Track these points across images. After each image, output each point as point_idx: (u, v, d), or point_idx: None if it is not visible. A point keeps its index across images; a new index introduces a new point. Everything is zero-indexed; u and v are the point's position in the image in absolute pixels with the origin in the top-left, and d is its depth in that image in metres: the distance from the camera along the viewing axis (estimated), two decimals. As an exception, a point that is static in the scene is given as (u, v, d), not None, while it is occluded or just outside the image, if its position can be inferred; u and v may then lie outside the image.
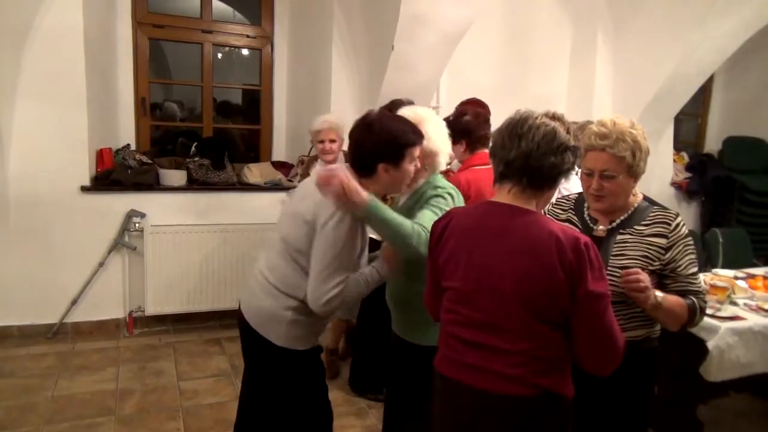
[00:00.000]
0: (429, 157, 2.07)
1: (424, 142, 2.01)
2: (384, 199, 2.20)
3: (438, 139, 2.08)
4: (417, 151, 1.87)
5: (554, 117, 1.53)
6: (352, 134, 1.89)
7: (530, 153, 1.46)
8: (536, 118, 1.51)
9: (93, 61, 3.82)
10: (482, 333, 1.50)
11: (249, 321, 1.94)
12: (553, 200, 2.02)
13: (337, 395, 2.15)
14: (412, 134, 1.86)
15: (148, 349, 3.88)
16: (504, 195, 1.53)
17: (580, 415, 1.60)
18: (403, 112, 2.11)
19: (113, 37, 4.21)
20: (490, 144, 1.59)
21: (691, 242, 1.80)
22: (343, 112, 4.34)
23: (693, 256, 1.79)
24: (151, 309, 4.05)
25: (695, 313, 1.76)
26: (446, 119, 2.98)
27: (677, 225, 1.78)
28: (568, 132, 1.51)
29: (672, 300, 1.72)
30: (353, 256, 1.82)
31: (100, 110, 4.03)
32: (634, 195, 1.87)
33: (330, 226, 1.76)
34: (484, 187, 2.49)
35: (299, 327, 1.90)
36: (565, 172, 1.52)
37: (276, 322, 1.89)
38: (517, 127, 1.49)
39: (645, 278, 1.65)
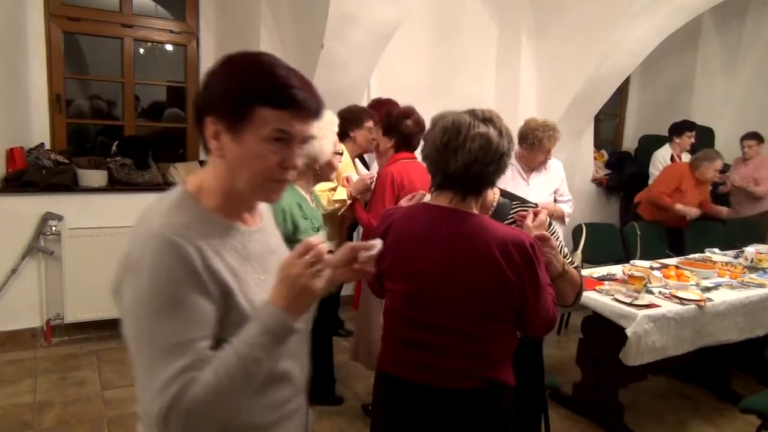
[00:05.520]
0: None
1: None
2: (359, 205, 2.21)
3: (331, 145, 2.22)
4: (278, 120, 0.99)
5: (485, 120, 1.50)
6: None
7: (469, 166, 1.44)
8: (469, 126, 1.46)
9: None
10: (430, 334, 1.51)
11: None
12: None
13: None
14: (285, 88, 0.99)
15: (69, 359, 3.68)
16: (444, 202, 1.53)
17: None
18: None
19: (23, 30, 3.96)
20: (423, 150, 1.58)
21: (553, 230, 1.83)
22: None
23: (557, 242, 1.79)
24: (71, 316, 3.85)
25: (582, 284, 1.81)
26: (388, 111, 3.20)
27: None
28: (501, 134, 1.47)
29: (570, 268, 1.77)
30: (186, 320, 0.94)
31: (9, 107, 3.79)
32: (493, 193, 1.88)
33: (125, 287, 0.98)
34: (414, 177, 2.86)
35: None
36: (502, 173, 1.54)
37: None
38: (452, 138, 1.45)
39: (554, 243, 1.69)
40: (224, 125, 0.99)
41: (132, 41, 4.41)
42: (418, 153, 2.94)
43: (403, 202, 1.92)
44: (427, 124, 1.61)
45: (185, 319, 0.94)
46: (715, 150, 4.81)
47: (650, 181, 5.40)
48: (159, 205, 1.04)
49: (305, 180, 2.21)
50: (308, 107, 1.00)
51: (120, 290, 0.98)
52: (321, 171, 2.26)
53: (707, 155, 4.67)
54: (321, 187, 2.98)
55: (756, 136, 5.38)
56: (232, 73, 1.00)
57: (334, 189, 3.05)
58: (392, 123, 3.03)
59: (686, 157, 5.39)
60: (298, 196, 2.21)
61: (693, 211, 4.73)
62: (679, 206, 4.72)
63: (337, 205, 3.04)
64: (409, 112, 3.04)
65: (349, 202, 3.09)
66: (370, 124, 3.36)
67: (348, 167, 3.20)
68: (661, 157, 5.41)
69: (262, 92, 0.97)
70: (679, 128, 5.38)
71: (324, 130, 2.17)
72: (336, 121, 2.34)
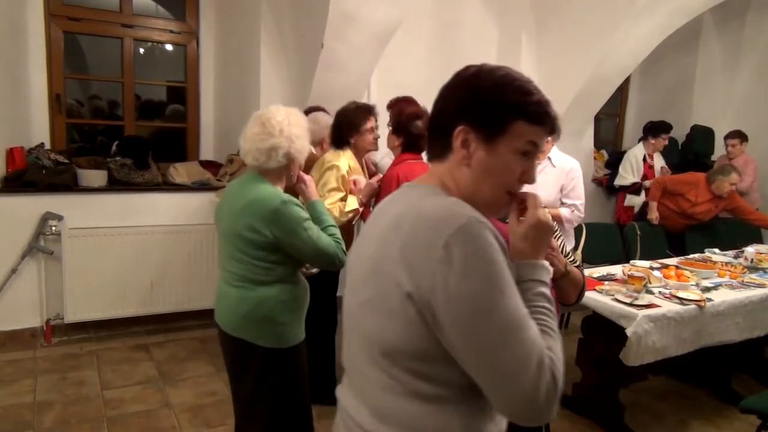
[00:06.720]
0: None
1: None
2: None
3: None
4: (532, 134, 1.05)
5: None
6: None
7: None
8: None
9: None
10: None
11: None
12: None
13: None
14: (541, 105, 1.06)
15: (69, 358, 3.68)
16: None
17: None
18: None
19: (23, 30, 3.96)
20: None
21: (555, 230, 1.85)
22: (272, 110, 4.29)
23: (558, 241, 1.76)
24: (71, 316, 3.84)
25: (584, 282, 1.78)
26: (400, 109, 3.15)
27: None
28: None
29: (573, 268, 1.73)
30: (517, 293, 0.96)
31: (9, 107, 3.79)
32: None
33: (443, 283, 0.92)
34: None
35: None
36: None
37: None
38: None
39: (555, 243, 1.68)
40: (480, 135, 1.04)
41: (132, 41, 4.41)
42: (424, 154, 2.96)
43: None
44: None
45: (517, 293, 0.96)
46: (731, 165, 4.82)
47: (617, 181, 5.47)
48: (440, 200, 1.02)
49: (280, 182, 2.10)
50: (555, 124, 1.08)
51: (433, 288, 0.92)
52: (293, 171, 2.13)
53: (722, 170, 4.69)
54: (331, 200, 2.96)
55: (739, 135, 5.41)
56: (491, 86, 1.05)
57: (343, 199, 3.01)
58: (402, 122, 3.03)
59: (658, 158, 5.48)
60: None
61: (653, 215, 4.94)
62: (653, 203, 4.95)
63: (350, 215, 2.99)
64: (421, 113, 3.03)
65: (361, 209, 3.06)
66: (369, 124, 3.18)
67: (356, 171, 3.14)
68: (633, 156, 5.43)
69: (523, 107, 1.03)
70: (656, 129, 5.39)
71: (303, 129, 2.09)
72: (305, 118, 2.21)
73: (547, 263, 1.08)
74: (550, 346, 0.95)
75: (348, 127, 3.11)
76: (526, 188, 1.11)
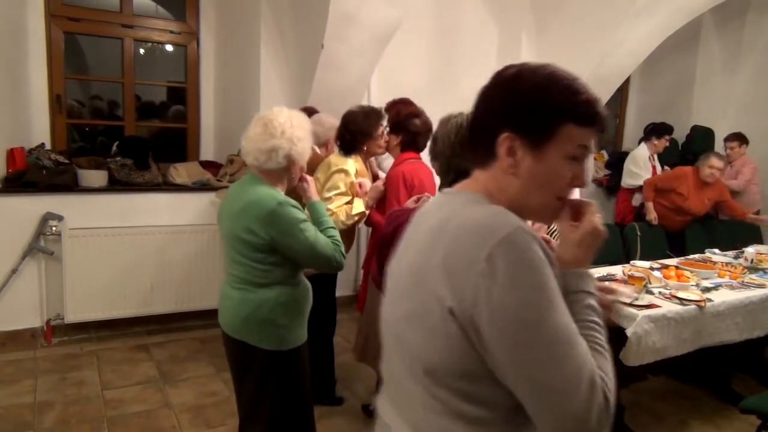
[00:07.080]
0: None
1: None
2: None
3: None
4: (582, 136, 0.98)
5: None
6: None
7: None
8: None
9: None
10: None
11: None
12: None
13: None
14: (591, 105, 0.99)
15: (69, 359, 3.68)
16: None
17: None
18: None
19: (23, 30, 3.97)
20: (434, 149, 1.58)
21: (554, 230, 1.87)
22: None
23: None
24: (71, 316, 3.84)
25: None
26: (397, 109, 3.21)
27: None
28: None
29: None
30: (564, 306, 0.90)
31: (10, 107, 3.79)
32: None
33: (487, 297, 0.86)
34: (423, 177, 2.93)
35: None
36: None
37: None
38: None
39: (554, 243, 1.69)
40: (526, 142, 0.96)
41: (132, 42, 4.42)
42: (423, 154, 2.96)
43: (410, 204, 1.90)
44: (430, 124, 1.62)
45: (565, 306, 0.89)
46: (715, 152, 4.85)
47: (629, 180, 5.45)
48: (483, 209, 0.95)
49: (281, 184, 2.07)
50: (606, 123, 1.00)
51: (476, 302, 0.86)
52: (294, 174, 2.09)
53: (704, 156, 4.75)
54: (338, 203, 2.95)
55: (738, 137, 5.40)
56: (534, 88, 0.97)
57: (349, 202, 3.01)
58: (400, 121, 3.05)
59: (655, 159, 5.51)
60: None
61: (651, 215, 4.94)
62: (649, 204, 4.96)
63: (356, 218, 2.99)
64: (418, 113, 3.07)
65: (367, 213, 3.06)
66: (381, 129, 3.14)
67: (362, 174, 3.14)
68: (641, 155, 5.44)
69: (571, 110, 0.96)
70: (659, 130, 5.41)
71: (306, 131, 2.06)
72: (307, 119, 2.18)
73: (593, 272, 1.03)
74: (601, 365, 0.89)
75: (362, 135, 3.07)
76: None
